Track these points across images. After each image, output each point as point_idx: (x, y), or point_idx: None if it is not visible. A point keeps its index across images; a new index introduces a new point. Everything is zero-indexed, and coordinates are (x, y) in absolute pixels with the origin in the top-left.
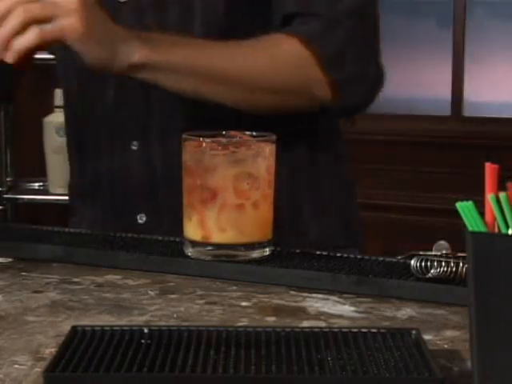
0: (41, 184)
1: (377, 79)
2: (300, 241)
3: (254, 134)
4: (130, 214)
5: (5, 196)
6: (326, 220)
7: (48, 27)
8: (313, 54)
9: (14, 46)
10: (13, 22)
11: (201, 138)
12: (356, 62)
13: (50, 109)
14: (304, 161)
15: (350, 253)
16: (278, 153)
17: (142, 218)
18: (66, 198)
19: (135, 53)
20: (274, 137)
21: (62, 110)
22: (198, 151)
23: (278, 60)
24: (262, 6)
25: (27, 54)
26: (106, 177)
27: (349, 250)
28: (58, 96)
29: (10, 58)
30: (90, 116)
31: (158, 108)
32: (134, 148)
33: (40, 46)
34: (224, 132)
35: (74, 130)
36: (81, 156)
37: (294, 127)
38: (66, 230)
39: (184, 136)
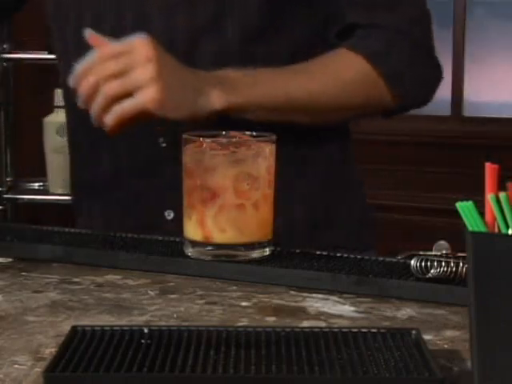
0: (41, 184)
1: (438, 80)
2: (316, 243)
3: (254, 134)
4: (157, 211)
5: (5, 196)
6: (344, 221)
7: (128, 103)
8: (378, 72)
9: (105, 122)
10: (99, 101)
11: (201, 138)
12: (420, 71)
13: (50, 109)
14: (323, 162)
15: (371, 255)
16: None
17: (169, 215)
18: (66, 197)
19: (215, 102)
20: (273, 137)
21: (61, 109)
22: (198, 151)
23: (346, 81)
24: (302, 4)
25: (119, 125)
26: (127, 174)
27: (369, 252)
28: (58, 96)
29: (109, 132)
30: None
31: None
32: (163, 145)
33: (126, 121)
34: (224, 132)
35: (86, 126)
36: (95, 153)
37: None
38: (66, 230)
39: (184, 136)
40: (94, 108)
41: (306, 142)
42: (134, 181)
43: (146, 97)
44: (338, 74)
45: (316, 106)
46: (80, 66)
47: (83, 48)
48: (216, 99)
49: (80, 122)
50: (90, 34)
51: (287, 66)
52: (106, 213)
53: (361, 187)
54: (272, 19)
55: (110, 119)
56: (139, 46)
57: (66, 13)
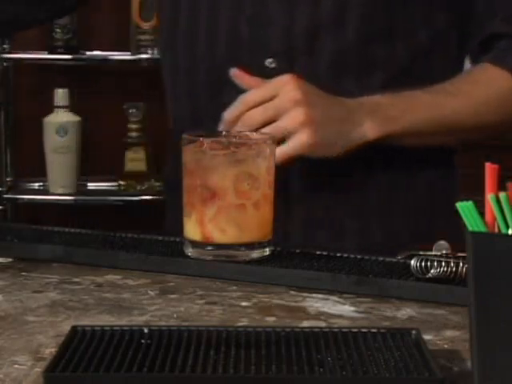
0: (41, 184)
1: None
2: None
3: (255, 134)
4: None
5: (5, 196)
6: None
7: (282, 151)
8: None
9: None
10: None
11: (201, 138)
12: None
13: (50, 109)
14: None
15: None
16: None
17: None
18: (66, 197)
19: (369, 133)
20: (274, 137)
21: (61, 109)
22: (198, 151)
23: (494, 99)
24: (423, 5)
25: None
26: None
27: None
28: (58, 96)
29: None
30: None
31: None
32: None
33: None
34: (224, 132)
35: (193, 119)
36: None
37: None
38: (66, 230)
39: (184, 136)
40: None
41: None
42: None
43: (299, 143)
44: (487, 93)
45: (466, 127)
46: (228, 114)
47: (195, 38)
48: (369, 130)
49: (187, 113)
50: (235, 72)
51: (435, 86)
52: None
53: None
54: (392, 20)
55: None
56: (286, 87)
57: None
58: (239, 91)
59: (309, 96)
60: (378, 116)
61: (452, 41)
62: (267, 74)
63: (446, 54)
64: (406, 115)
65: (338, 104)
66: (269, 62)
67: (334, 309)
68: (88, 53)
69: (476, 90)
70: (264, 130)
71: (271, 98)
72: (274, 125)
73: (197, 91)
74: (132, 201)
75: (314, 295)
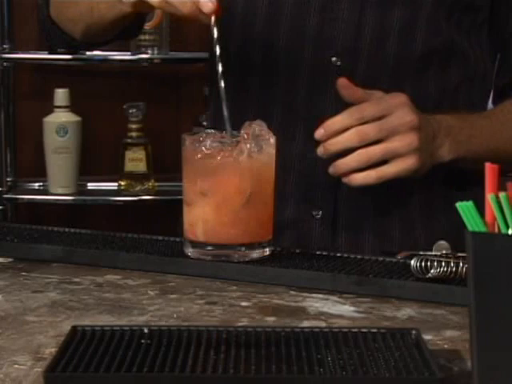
0: (41, 184)
1: None
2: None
3: (255, 133)
4: (306, 209)
5: (5, 196)
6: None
7: (388, 171)
8: None
9: (355, 178)
10: (357, 159)
11: (201, 138)
12: None
13: (50, 109)
14: None
15: None
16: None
17: (318, 214)
18: (66, 197)
19: (446, 155)
20: (274, 137)
21: (61, 109)
22: (198, 151)
23: None
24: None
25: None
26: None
27: None
28: (58, 96)
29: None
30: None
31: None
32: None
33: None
34: (224, 132)
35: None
36: None
37: None
38: (66, 230)
39: (184, 136)
40: (349, 163)
41: None
42: (298, 176)
43: (407, 168)
44: None
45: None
46: (332, 123)
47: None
48: (446, 152)
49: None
50: (342, 82)
51: (488, 112)
52: None
53: None
54: (453, 39)
55: (362, 178)
56: (402, 110)
57: None
58: (290, 85)
59: (422, 123)
60: (453, 139)
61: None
62: (329, 71)
63: (475, 90)
64: (473, 140)
65: (428, 125)
66: (334, 60)
67: (334, 309)
68: (88, 53)
69: None
70: (377, 148)
71: (382, 117)
72: (384, 145)
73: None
74: (132, 201)
75: (314, 295)
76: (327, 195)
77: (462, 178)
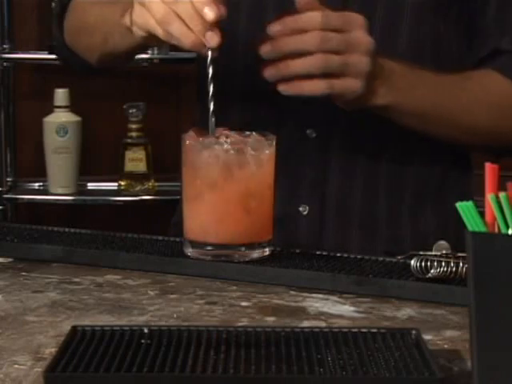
0: (41, 184)
1: None
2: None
3: (254, 133)
4: (292, 203)
5: (5, 196)
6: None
7: (335, 85)
8: None
9: (300, 86)
10: (309, 64)
11: (201, 138)
12: None
13: (50, 109)
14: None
15: None
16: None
17: (305, 209)
18: (66, 197)
19: (379, 99)
20: (274, 137)
21: (61, 109)
22: (198, 151)
23: (492, 104)
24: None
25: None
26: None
27: None
28: (58, 96)
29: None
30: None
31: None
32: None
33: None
34: (224, 132)
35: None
36: None
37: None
38: (66, 230)
39: (184, 136)
40: (302, 64)
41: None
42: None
43: (353, 87)
44: (487, 96)
45: (462, 124)
46: (295, 20)
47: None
48: (380, 96)
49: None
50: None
51: (440, 74)
52: None
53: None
54: (435, 28)
55: (309, 86)
56: (361, 30)
57: None
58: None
59: (375, 51)
60: (391, 84)
61: (458, 51)
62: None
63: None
64: (414, 91)
65: (378, 64)
66: None
67: (333, 309)
68: None
69: (477, 90)
70: (335, 58)
71: (343, 31)
72: (343, 57)
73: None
74: (132, 201)
75: (314, 295)
76: (314, 192)
77: (452, 176)
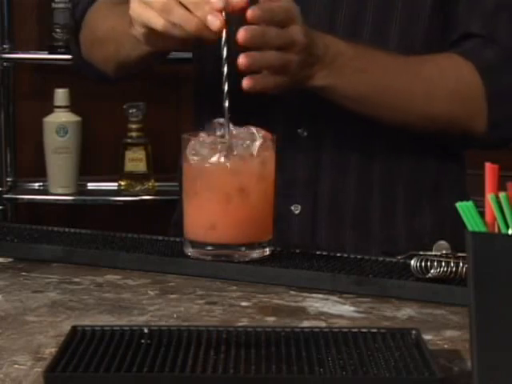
0: (41, 184)
1: None
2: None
3: (255, 132)
4: (285, 203)
5: (5, 196)
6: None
7: (262, 79)
8: (486, 88)
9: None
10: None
11: (201, 138)
12: None
13: (50, 109)
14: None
15: None
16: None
17: (297, 209)
18: (66, 197)
19: (318, 80)
20: (274, 137)
21: (61, 109)
22: (198, 151)
23: (450, 90)
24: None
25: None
26: None
27: None
28: (58, 96)
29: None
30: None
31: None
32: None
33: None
34: (225, 131)
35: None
36: None
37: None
38: (66, 230)
39: (184, 135)
40: (262, 58)
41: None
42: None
43: (279, 85)
44: (444, 81)
45: (411, 108)
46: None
47: None
48: (321, 78)
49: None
50: None
51: (399, 57)
52: None
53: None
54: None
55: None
56: (297, 28)
57: None
58: None
59: (307, 45)
60: (335, 67)
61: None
62: None
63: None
64: (361, 74)
65: (314, 47)
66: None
67: (333, 309)
68: None
69: (435, 75)
70: (276, 55)
71: (276, 24)
72: (282, 54)
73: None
74: (132, 201)
75: (314, 295)
76: (306, 191)
77: (446, 175)
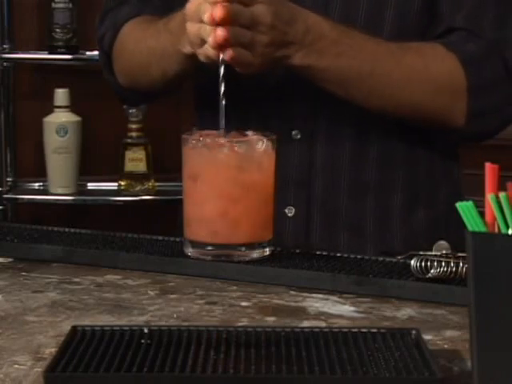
0: (41, 184)
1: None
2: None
3: (255, 133)
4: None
5: (5, 196)
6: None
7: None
8: (467, 80)
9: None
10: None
11: (201, 138)
12: (504, 94)
13: (50, 109)
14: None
15: None
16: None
17: (291, 211)
18: (66, 197)
19: (297, 60)
20: (274, 137)
21: (61, 109)
22: (198, 151)
23: (431, 79)
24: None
25: None
26: None
27: None
28: (58, 96)
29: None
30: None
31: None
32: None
33: None
34: (224, 132)
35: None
36: None
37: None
38: (66, 230)
39: (184, 136)
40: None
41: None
42: None
43: (247, 66)
44: (425, 70)
45: (390, 95)
46: None
47: None
48: (299, 58)
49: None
50: None
51: (382, 44)
52: None
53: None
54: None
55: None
56: (261, 4)
57: None
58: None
59: (278, 30)
60: (313, 50)
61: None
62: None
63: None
64: (338, 58)
65: (291, 28)
66: None
67: (333, 309)
68: (88, 53)
69: (417, 63)
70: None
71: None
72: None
73: None
74: (132, 201)
75: (314, 295)
76: (300, 193)
77: (441, 175)
